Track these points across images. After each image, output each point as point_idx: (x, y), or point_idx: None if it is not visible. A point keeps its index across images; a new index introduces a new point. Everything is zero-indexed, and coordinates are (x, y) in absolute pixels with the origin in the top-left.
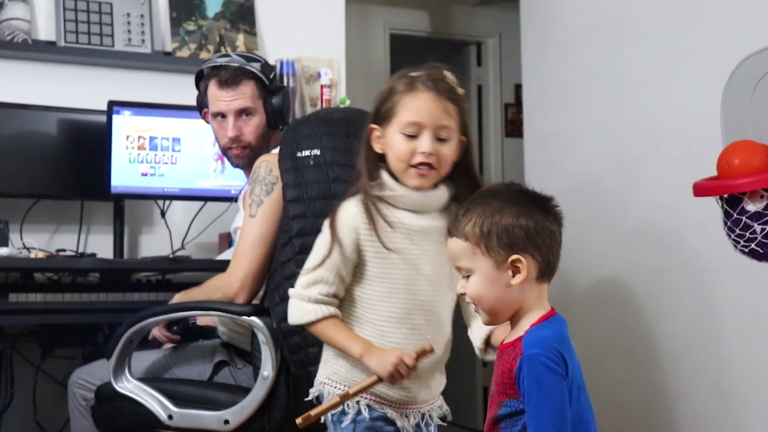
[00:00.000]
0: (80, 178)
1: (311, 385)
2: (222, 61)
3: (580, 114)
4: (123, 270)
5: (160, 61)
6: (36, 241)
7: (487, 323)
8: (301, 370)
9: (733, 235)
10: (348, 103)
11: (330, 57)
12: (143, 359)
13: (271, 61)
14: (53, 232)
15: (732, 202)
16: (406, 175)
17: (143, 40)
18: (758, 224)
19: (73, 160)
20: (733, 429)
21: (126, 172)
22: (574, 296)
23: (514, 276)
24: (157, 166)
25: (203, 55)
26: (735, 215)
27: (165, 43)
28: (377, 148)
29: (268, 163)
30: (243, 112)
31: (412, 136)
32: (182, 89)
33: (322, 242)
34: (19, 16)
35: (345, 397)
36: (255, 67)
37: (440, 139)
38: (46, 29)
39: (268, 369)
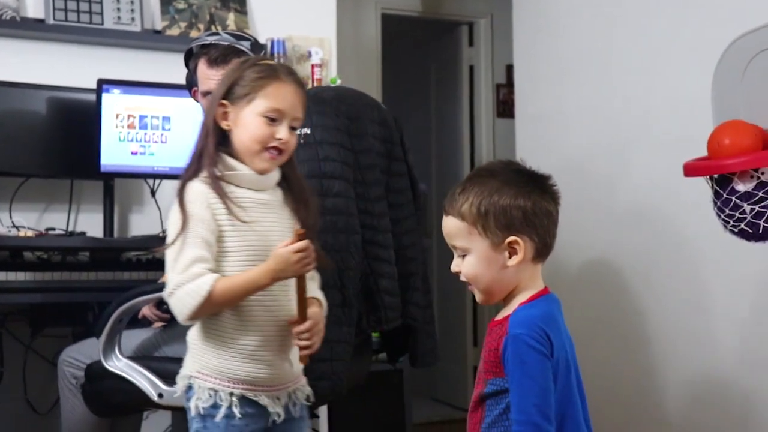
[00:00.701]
0: (70, 156)
1: (304, 369)
2: (211, 39)
3: (571, 95)
4: (113, 249)
5: (150, 40)
6: (25, 220)
7: (482, 302)
8: None
9: (722, 215)
10: (339, 82)
11: (321, 36)
12: (133, 338)
13: (262, 40)
14: (43, 210)
15: (722, 183)
16: (257, 157)
17: (133, 18)
18: (748, 204)
19: (63, 139)
20: (721, 410)
21: (116, 151)
22: (564, 277)
23: (510, 257)
24: (147, 145)
25: (193, 33)
26: (725, 195)
27: (155, 21)
28: (224, 125)
29: None
30: None
31: (272, 122)
32: (172, 68)
33: (175, 226)
34: None
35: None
36: (245, 45)
37: (292, 128)
38: (34, 7)
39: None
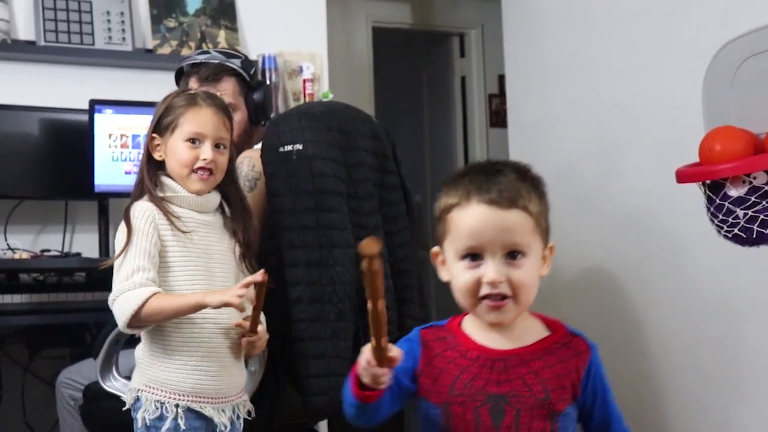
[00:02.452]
0: (63, 177)
1: (297, 383)
2: (202, 58)
3: (563, 103)
4: (109, 269)
5: (141, 59)
6: (20, 242)
7: (508, 320)
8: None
9: (716, 221)
10: (331, 97)
11: (312, 51)
12: (131, 358)
13: (253, 57)
14: (38, 232)
15: (714, 188)
16: (188, 180)
17: (124, 38)
18: (741, 209)
19: (56, 160)
20: (719, 411)
21: (109, 171)
22: (559, 283)
23: (544, 265)
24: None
25: (184, 51)
26: (718, 201)
27: (146, 40)
28: (157, 155)
29: (251, 158)
30: None
31: (195, 145)
32: (164, 86)
33: (121, 241)
34: None
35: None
36: (235, 63)
37: (217, 148)
38: (25, 29)
39: (255, 364)
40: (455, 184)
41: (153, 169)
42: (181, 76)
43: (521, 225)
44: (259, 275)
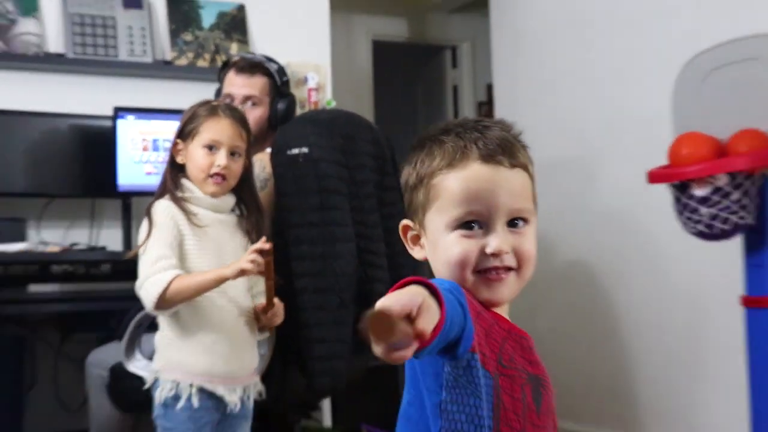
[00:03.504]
0: (90, 178)
1: (303, 366)
2: (246, 55)
3: (546, 110)
4: (131, 261)
5: (161, 70)
6: (51, 237)
7: (505, 300)
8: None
9: (682, 217)
10: (334, 104)
11: (316, 62)
12: (153, 341)
13: None
14: (67, 227)
15: (682, 188)
16: (204, 183)
17: (145, 51)
18: (704, 208)
19: (83, 162)
20: (684, 388)
21: (132, 172)
22: (543, 274)
23: None
24: (161, 165)
25: (200, 63)
26: (684, 200)
27: (165, 52)
28: (179, 159)
29: (262, 161)
30: (249, 100)
31: (212, 152)
32: (181, 94)
33: (144, 234)
34: (31, 31)
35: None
36: (272, 66)
37: (232, 156)
38: (55, 42)
39: (264, 348)
40: (437, 144)
41: (175, 171)
42: (224, 68)
43: (525, 187)
44: (266, 243)
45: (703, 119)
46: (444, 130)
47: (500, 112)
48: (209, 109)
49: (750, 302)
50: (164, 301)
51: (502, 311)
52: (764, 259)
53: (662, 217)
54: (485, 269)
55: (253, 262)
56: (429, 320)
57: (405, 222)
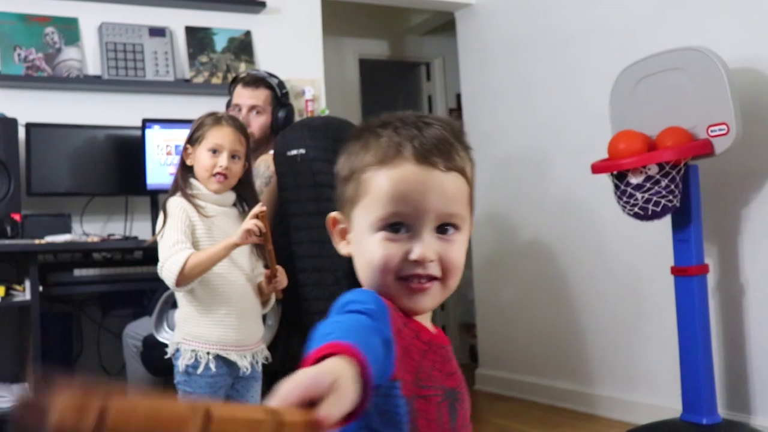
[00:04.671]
0: (124, 178)
1: (304, 333)
2: (251, 71)
3: (506, 113)
4: (156, 247)
5: (181, 87)
6: (92, 229)
7: (427, 310)
8: (303, 319)
9: (621, 202)
10: (327, 112)
11: (312, 77)
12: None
13: None
14: (105, 221)
15: (620, 177)
16: (209, 182)
17: (168, 71)
18: (639, 193)
19: (118, 166)
20: (627, 347)
21: (158, 173)
22: (506, 253)
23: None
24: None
25: (214, 80)
26: (622, 187)
27: (184, 72)
28: (188, 161)
29: (266, 161)
30: (254, 109)
31: (215, 155)
32: (199, 107)
33: (161, 225)
34: (73, 57)
35: None
36: (273, 80)
37: (233, 158)
38: (93, 66)
39: (271, 319)
40: (373, 137)
41: (185, 172)
42: (233, 83)
43: (459, 192)
44: (259, 207)
45: (635, 119)
46: (383, 123)
47: (468, 116)
48: (214, 119)
49: (677, 271)
50: (183, 276)
51: (424, 318)
52: (689, 235)
53: (604, 202)
54: (408, 276)
55: (255, 225)
56: (337, 404)
57: (333, 215)
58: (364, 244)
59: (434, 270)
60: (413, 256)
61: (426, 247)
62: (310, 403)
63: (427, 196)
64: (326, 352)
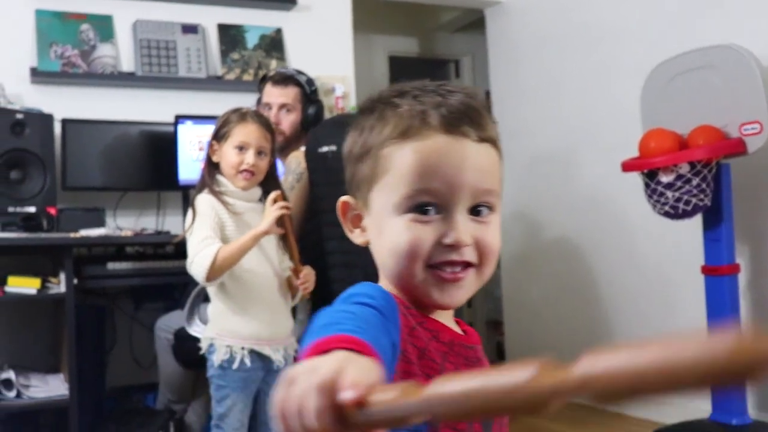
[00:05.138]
0: (156, 174)
1: None
2: (280, 69)
3: (535, 111)
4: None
5: (213, 83)
6: (125, 223)
7: (459, 303)
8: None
9: (652, 200)
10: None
11: (342, 75)
12: (208, 309)
13: None
14: (138, 215)
15: (650, 176)
16: (236, 179)
17: (200, 68)
18: (670, 192)
19: (151, 161)
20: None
21: (190, 168)
22: (534, 251)
23: None
24: None
25: (245, 77)
26: (653, 185)
27: (216, 69)
28: (215, 158)
29: (297, 158)
30: (284, 107)
31: (241, 152)
32: (230, 103)
33: (189, 222)
34: (108, 54)
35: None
36: (302, 78)
37: (259, 155)
38: (127, 63)
39: (302, 314)
40: (390, 108)
41: (211, 168)
42: (262, 81)
43: (493, 166)
44: (275, 193)
45: (667, 117)
46: (400, 92)
47: (497, 114)
48: (240, 115)
49: (708, 270)
50: (214, 270)
51: (445, 316)
52: (720, 234)
53: (634, 201)
54: (439, 263)
55: (279, 208)
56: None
57: (345, 199)
58: (385, 229)
59: (470, 256)
60: (448, 240)
61: (461, 229)
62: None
63: (461, 169)
64: (340, 345)
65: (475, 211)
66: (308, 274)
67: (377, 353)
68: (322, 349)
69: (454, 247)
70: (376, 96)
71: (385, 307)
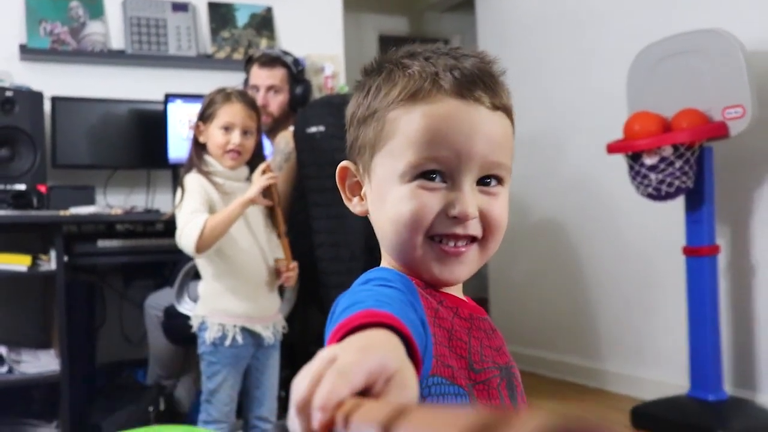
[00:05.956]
0: (146, 152)
1: (322, 306)
2: (266, 50)
3: (523, 94)
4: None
5: (203, 62)
6: (115, 201)
7: (462, 279)
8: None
9: (635, 182)
10: (347, 90)
11: (332, 54)
12: (198, 287)
13: None
14: (128, 193)
15: (635, 158)
16: (223, 159)
17: (190, 46)
18: (653, 174)
19: (140, 139)
20: (635, 325)
21: (180, 147)
22: (520, 230)
23: None
24: None
25: (235, 56)
26: (637, 167)
27: (206, 47)
28: (201, 139)
29: (286, 138)
30: (272, 89)
31: (227, 132)
32: (220, 82)
33: (179, 199)
34: (97, 32)
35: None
36: (288, 58)
37: (245, 135)
38: (117, 40)
39: (290, 293)
40: (399, 69)
41: (198, 149)
42: (249, 62)
43: (506, 137)
44: (265, 164)
45: (652, 100)
46: (410, 54)
47: None
48: (224, 95)
49: (690, 251)
50: (203, 240)
51: (456, 290)
52: (701, 216)
53: (618, 182)
54: (442, 235)
55: (267, 179)
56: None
57: (345, 164)
58: (389, 197)
59: (475, 229)
60: (454, 211)
61: (468, 200)
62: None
63: (472, 138)
64: (363, 321)
65: (483, 181)
66: (295, 268)
67: (404, 324)
68: (347, 329)
69: (459, 219)
70: (383, 56)
71: (403, 290)
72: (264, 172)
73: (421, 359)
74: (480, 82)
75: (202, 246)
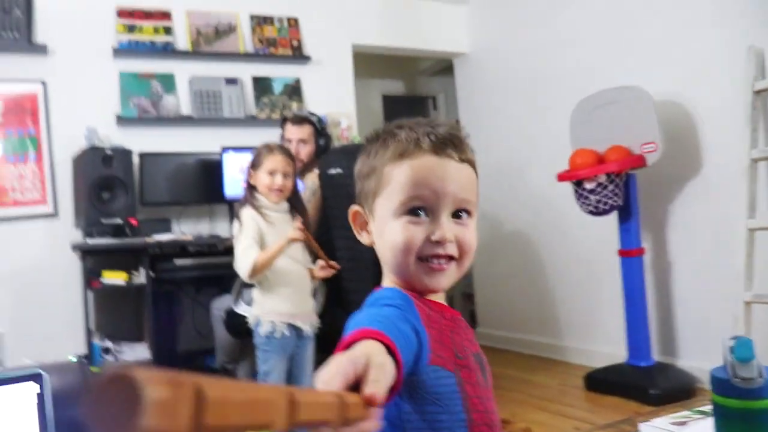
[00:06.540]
0: (208, 191)
1: (344, 306)
2: (296, 111)
3: (492, 136)
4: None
5: (249, 122)
6: (187, 229)
7: (444, 288)
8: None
9: (579, 202)
10: (359, 139)
11: (346, 111)
12: (249, 295)
13: None
14: (195, 223)
15: (578, 184)
16: (269, 196)
17: (239, 110)
18: (593, 196)
19: (204, 181)
20: (586, 309)
21: (234, 187)
22: (496, 239)
23: None
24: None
25: (274, 116)
26: (580, 191)
27: (251, 110)
28: (252, 182)
29: (313, 178)
30: (302, 141)
31: (272, 175)
32: (263, 136)
33: (236, 230)
34: (171, 102)
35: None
36: (314, 118)
37: (285, 177)
38: (186, 108)
39: (321, 295)
40: (391, 137)
41: (251, 189)
42: (283, 121)
43: (471, 181)
44: (298, 221)
45: (589, 139)
46: (398, 126)
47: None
48: (268, 149)
49: (623, 253)
50: (254, 272)
51: (440, 297)
52: (630, 226)
53: (568, 202)
54: (428, 256)
55: (297, 231)
56: (379, 378)
57: (355, 208)
58: (386, 230)
59: (452, 250)
60: (435, 237)
61: (445, 228)
62: (353, 386)
63: (445, 181)
64: (356, 338)
65: (456, 215)
66: (333, 265)
67: (386, 334)
68: (348, 343)
69: (440, 242)
70: (379, 129)
71: (402, 305)
72: (299, 228)
73: (401, 358)
74: (450, 143)
75: (253, 276)
